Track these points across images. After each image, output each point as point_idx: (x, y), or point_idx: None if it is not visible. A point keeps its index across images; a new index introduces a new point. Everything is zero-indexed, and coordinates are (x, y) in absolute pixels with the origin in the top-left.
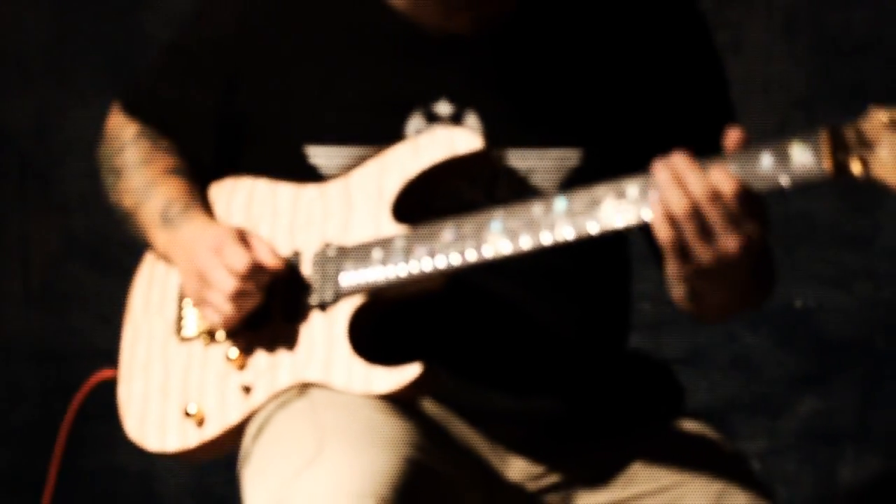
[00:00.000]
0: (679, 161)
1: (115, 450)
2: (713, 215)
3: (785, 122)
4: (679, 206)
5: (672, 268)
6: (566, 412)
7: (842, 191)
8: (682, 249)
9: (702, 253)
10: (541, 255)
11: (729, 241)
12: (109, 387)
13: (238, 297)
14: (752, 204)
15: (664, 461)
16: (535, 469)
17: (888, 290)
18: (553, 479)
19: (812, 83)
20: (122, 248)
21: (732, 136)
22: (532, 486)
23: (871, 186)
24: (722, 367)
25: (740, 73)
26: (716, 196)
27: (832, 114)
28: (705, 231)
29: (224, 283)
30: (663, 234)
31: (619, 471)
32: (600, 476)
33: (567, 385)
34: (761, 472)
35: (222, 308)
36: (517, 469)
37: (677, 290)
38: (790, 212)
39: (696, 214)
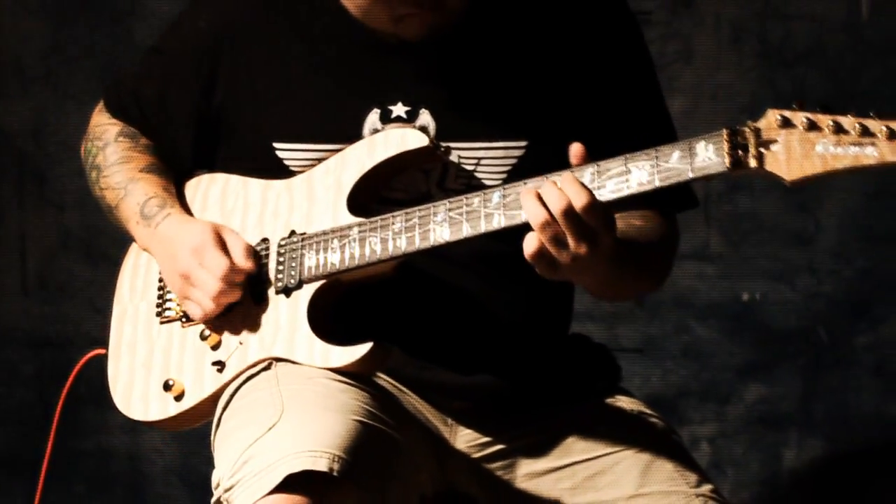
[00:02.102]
0: (541, 179)
1: (106, 432)
2: (565, 225)
3: None
4: (536, 218)
5: (536, 266)
6: (509, 387)
7: (786, 192)
8: (541, 253)
9: (557, 256)
10: (485, 243)
11: (580, 247)
12: (101, 374)
13: (219, 296)
14: (599, 214)
15: (599, 433)
16: (481, 439)
17: (828, 284)
18: (497, 448)
19: (757, 90)
20: (113, 242)
21: (575, 151)
22: (477, 454)
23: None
24: (674, 357)
25: (691, 81)
26: (568, 209)
27: None
28: (559, 239)
29: (207, 285)
30: (526, 241)
31: (557, 442)
32: (540, 446)
33: (510, 362)
34: (711, 455)
35: (205, 305)
36: (464, 438)
37: None
38: (738, 211)
39: (552, 225)
